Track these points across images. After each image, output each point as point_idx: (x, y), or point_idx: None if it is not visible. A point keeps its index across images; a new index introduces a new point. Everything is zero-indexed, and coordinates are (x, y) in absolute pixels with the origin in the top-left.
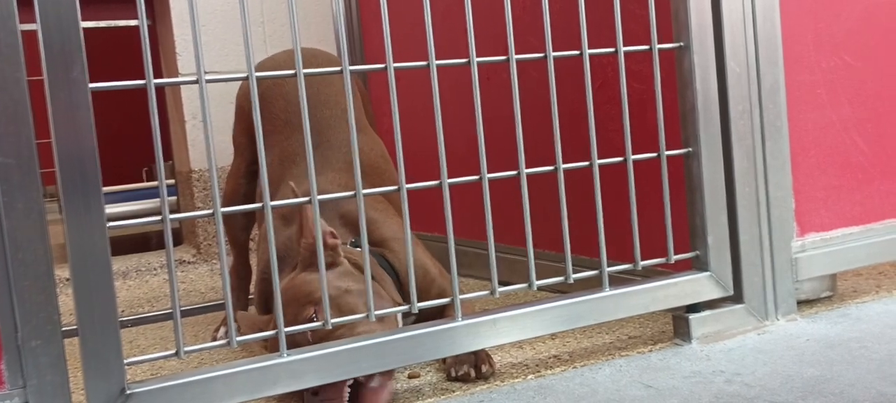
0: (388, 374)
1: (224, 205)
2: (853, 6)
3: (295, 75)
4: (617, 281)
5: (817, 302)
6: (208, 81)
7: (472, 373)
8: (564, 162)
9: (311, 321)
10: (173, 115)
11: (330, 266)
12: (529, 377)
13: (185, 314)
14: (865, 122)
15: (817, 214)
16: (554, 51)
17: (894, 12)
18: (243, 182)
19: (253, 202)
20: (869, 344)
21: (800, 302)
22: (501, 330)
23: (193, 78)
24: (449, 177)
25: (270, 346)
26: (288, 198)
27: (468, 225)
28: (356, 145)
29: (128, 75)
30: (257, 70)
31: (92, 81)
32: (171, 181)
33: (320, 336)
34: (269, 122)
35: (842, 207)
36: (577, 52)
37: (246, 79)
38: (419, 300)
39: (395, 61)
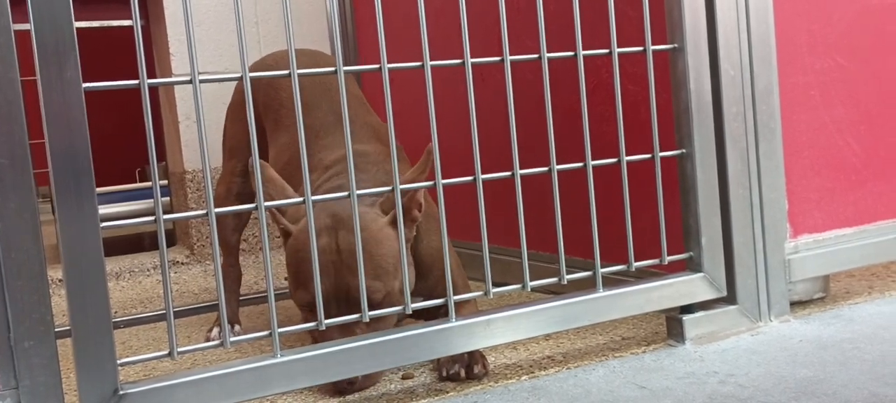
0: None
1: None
2: (846, 8)
3: (289, 75)
4: (611, 282)
5: (810, 303)
6: (202, 81)
7: (462, 373)
8: (559, 163)
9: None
10: (167, 116)
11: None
12: (523, 377)
13: (178, 314)
14: (859, 124)
15: (810, 216)
16: (548, 52)
17: (887, 14)
18: (238, 181)
19: (249, 201)
20: (861, 345)
21: (793, 304)
22: (495, 330)
23: (187, 78)
24: (443, 178)
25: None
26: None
27: (462, 225)
28: (351, 146)
29: (121, 75)
30: (259, 67)
31: (85, 81)
32: (165, 182)
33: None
34: (283, 107)
35: (835, 209)
36: (571, 53)
37: (240, 79)
38: (433, 283)
39: (389, 61)
